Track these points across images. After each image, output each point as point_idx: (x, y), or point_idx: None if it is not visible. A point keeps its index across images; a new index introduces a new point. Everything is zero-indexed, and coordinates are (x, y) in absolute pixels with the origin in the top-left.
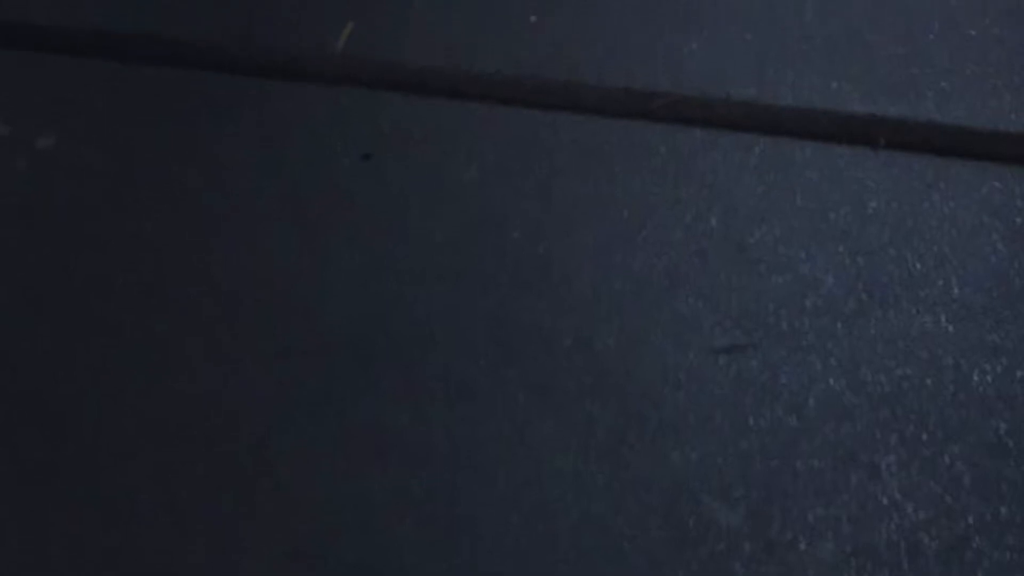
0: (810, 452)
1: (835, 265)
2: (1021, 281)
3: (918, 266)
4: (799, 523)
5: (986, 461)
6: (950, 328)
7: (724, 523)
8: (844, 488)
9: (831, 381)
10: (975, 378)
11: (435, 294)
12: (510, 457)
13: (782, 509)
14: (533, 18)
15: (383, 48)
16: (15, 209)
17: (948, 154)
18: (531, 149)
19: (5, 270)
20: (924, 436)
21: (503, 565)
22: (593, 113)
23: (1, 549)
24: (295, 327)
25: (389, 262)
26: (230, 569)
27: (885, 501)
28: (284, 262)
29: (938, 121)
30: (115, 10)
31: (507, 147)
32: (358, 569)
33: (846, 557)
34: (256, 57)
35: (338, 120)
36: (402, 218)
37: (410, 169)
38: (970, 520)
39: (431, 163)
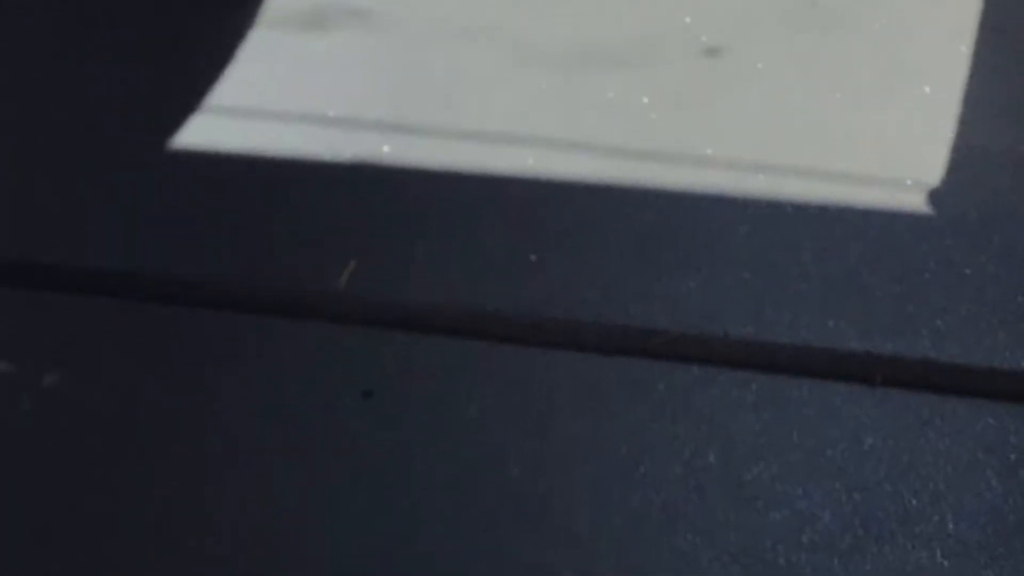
0: None
1: (832, 501)
2: (1016, 517)
3: (914, 502)
4: None
5: None
6: (945, 564)
7: None
8: None
9: None
10: None
11: (436, 532)
12: None
13: None
14: (533, 257)
15: (385, 286)
16: (19, 448)
17: (944, 391)
18: (531, 387)
19: (9, 510)
20: None
21: None
22: (592, 351)
23: None
24: (298, 567)
25: (390, 500)
26: None
27: None
28: (286, 502)
29: (934, 358)
30: (119, 249)
31: (507, 385)
32: None
33: None
34: (259, 295)
35: (340, 358)
36: (403, 456)
37: (411, 407)
38: None
39: (432, 401)
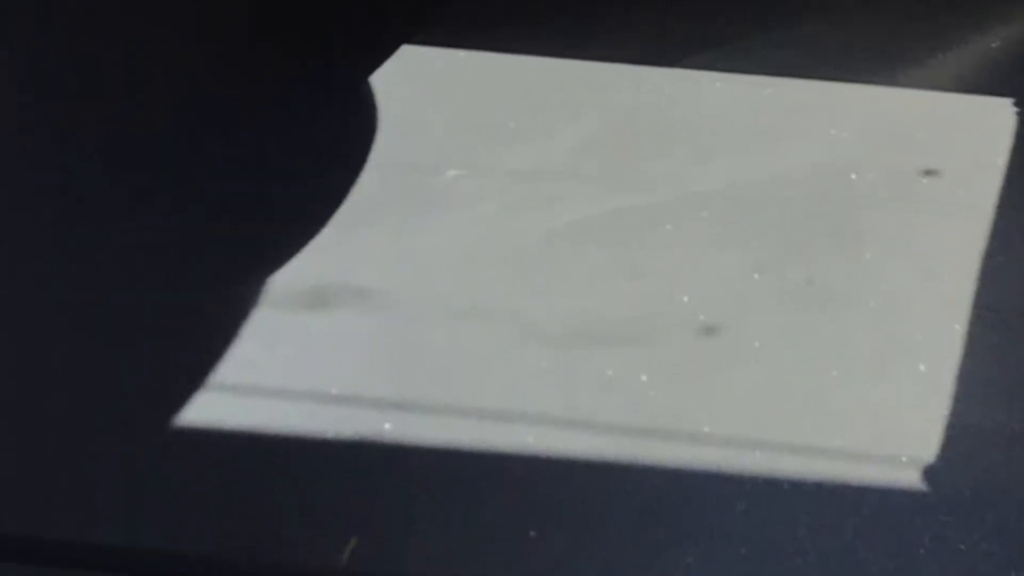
0: None
1: None
2: None
3: None
4: None
5: None
6: None
7: None
8: None
9: None
10: None
11: None
12: None
13: None
14: (532, 533)
15: (386, 562)
16: None
17: None
18: None
19: None
20: None
21: None
22: None
23: None
24: None
25: None
26: None
27: None
28: None
29: None
30: (123, 525)
31: None
32: None
33: None
34: (262, 572)
35: None
36: None
37: None
38: None
39: None
